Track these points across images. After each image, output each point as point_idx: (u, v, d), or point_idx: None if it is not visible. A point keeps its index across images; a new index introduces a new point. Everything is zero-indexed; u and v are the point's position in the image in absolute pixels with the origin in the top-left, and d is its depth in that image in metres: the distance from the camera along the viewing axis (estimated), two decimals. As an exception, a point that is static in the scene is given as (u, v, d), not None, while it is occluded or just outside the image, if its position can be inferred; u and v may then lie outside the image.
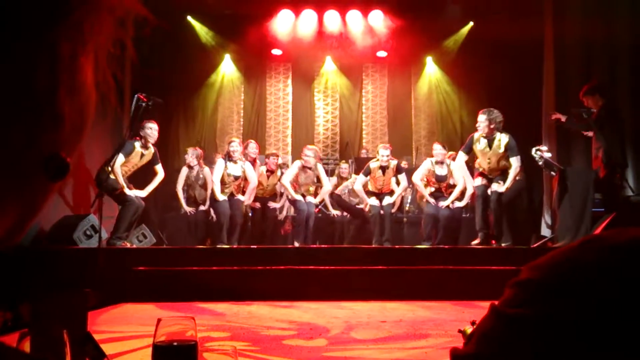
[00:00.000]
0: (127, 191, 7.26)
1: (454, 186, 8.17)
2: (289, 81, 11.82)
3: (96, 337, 2.17)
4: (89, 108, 0.51)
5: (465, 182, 7.94)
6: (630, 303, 0.51)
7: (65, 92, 0.47)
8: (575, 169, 8.01)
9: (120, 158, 7.18)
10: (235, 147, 8.30)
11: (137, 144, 7.37)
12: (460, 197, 8.12)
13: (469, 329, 1.96)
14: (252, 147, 8.74)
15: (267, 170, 8.74)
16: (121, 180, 7.20)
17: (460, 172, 7.91)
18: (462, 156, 7.67)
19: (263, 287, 5.71)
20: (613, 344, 0.50)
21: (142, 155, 7.47)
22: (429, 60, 11.56)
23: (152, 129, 7.45)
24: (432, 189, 8.31)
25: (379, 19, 10.93)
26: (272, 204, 8.89)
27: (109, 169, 7.08)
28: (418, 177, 8.31)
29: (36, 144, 0.46)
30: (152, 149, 7.54)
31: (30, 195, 0.49)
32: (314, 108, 11.76)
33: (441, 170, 8.25)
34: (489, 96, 10.80)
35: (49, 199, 0.50)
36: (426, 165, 8.36)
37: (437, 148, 8.33)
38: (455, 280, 5.84)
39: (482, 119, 7.33)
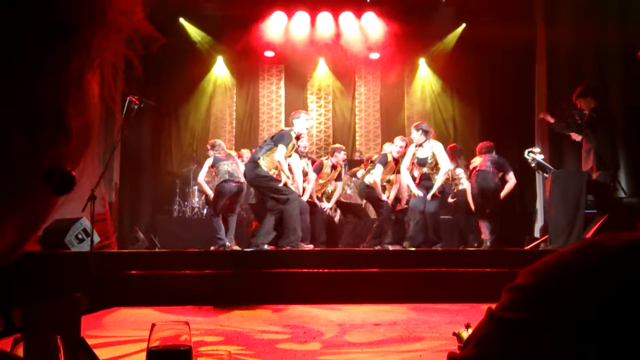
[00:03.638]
0: (290, 186, 7.06)
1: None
2: (282, 83, 11.82)
3: (89, 342, 2.15)
4: (94, 122, 0.51)
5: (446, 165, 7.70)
6: (625, 306, 0.51)
7: (73, 106, 0.48)
8: (568, 170, 8.05)
9: (283, 150, 6.94)
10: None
11: (292, 134, 7.15)
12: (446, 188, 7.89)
13: (464, 332, 1.96)
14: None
15: (332, 166, 8.56)
16: (285, 176, 7.04)
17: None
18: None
19: (256, 290, 5.69)
20: (609, 347, 0.51)
21: (294, 146, 7.30)
22: (422, 62, 11.60)
23: (308, 121, 7.35)
24: (418, 177, 7.93)
25: (372, 21, 10.95)
26: (321, 204, 8.62)
27: (261, 162, 6.92)
28: (405, 165, 7.93)
29: (42, 158, 0.47)
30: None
31: (34, 209, 0.49)
32: (307, 110, 11.76)
33: (422, 153, 7.79)
34: (481, 98, 10.86)
35: (51, 212, 0.51)
36: (411, 151, 7.93)
37: (413, 131, 7.87)
38: (449, 282, 5.84)
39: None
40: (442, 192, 7.90)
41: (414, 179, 7.94)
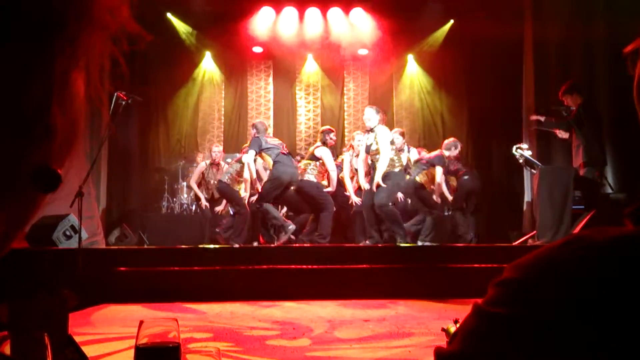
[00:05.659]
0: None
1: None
2: (270, 79, 11.78)
3: (77, 339, 2.14)
4: (79, 121, 0.51)
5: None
6: (609, 302, 0.52)
7: (58, 105, 0.47)
8: (555, 166, 8.10)
9: None
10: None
11: None
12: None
13: (452, 327, 1.97)
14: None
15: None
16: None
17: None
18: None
19: (245, 287, 5.69)
20: (593, 342, 0.51)
21: None
22: (410, 58, 11.60)
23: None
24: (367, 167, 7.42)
25: (360, 17, 10.94)
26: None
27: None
28: (362, 157, 7.47)
29: (28, 157, 0.46)
30: None
31: (19, 208, 0.48)
32: (295, 106, 11.74)
33: (370, 139, 7.22)
34: (469, 94, 10.90)
35: (37, 210, 0.50)
36: (363, 140, 7.46)
37: (371, 113, 7.29)
38: (437, 278, 5.86)
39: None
40: (387, 178, 7.04)
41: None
